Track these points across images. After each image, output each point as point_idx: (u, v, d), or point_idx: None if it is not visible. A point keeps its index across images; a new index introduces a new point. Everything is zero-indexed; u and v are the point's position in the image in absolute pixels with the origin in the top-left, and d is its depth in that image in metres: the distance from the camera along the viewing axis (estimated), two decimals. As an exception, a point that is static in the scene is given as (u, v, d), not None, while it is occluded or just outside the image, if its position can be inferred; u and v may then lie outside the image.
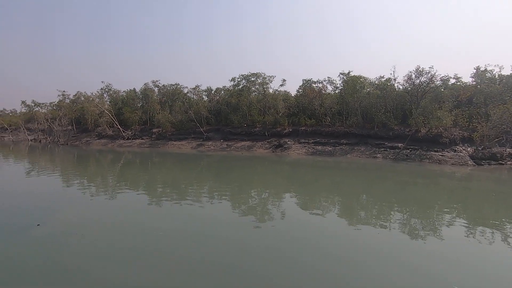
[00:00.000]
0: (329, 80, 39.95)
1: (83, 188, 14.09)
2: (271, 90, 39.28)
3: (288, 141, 34.63)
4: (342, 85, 39.24)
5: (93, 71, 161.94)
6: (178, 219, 9.49)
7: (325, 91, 36.59)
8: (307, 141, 33.58)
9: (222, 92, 46.56)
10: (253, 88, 41.61)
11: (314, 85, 40.45)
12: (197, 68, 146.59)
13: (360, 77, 33.24)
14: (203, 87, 47.76)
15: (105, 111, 44.22)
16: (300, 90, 41.56)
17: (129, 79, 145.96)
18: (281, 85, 38.64)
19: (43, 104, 70.59)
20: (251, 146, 36.05)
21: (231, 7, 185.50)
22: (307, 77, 40.61)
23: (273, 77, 36.92)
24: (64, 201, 11.37)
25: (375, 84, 32.46)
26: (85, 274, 5.87)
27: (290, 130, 36.48)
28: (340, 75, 39.84)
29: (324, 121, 34.63)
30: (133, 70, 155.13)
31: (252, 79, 40.30)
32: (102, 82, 64.95)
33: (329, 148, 30.81)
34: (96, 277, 5.78)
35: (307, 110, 36.97)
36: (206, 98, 47.43)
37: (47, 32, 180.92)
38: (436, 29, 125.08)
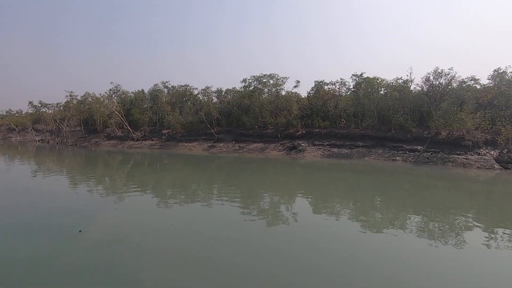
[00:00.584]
0: (341, 81, 39.60)
1: (106, 191, 13.65)
2: (283, 92, 38.82)
3: (302, 143, 34.15)
4: (355, 86, 38.94)
5: (97, 72, 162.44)
6: (208, 222, 9.13)
7: (339, 92, 36.04)
8: (321, 143, 33.09)
9: (232, 93, 46.21)
10: (265, 90, 41.26)
11: (326, 87, 40.11)
12: (201, 69, 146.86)
13: (376, 78, 32.74)
14: (213, 89, 47.53)
15: (115, 111, 43.86)
16: (312, 92, 41.19)
17: (132, 80, 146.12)
18: (295, 87, 38.27)
19: (50, 104, 70.76)
20: (264, 148, 35.59)
21: (236, 10, 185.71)
22: (315, 79, 40.23)
23: (287, 78, 36.51)
24: (94, 205, 10.92)
25: (392, 85, 31.90)
26: (141, 280, 5.65)
27: (303, 132, 35.98)
28: (353, 76, 39.57)
29: (339, 123, 34.11)
30: (136, 71, 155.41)
31: (264, 80, 39.94)
32: (111, 83, 64.81)
33: (346, 151, 30.28)
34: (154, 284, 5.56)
35: (320, 112, 36.50)
36: (216, 100, 47.08)
37: (52, 33, 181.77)
38: (436, 30, 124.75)
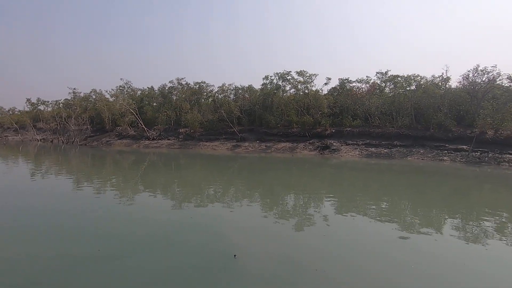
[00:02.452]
0: (366, 79, 38.67)
1: (198, 200, 11.99)
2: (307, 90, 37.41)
3: (334, 142, 32.99)
4: (382, 84, 38.10)
5: (89, 70, 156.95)
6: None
7: (373, 91, 35.05)
8: (355, 142, 32.01)
9: (250, 91, 44.60)
10: (287, 87, 39.92)
11: (350, 85, 39.11)
12: (195, 68, 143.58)
13: (416, 75, 31.84)
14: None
15: (129, 109, 41.50)
16: (336, 90, 40.08)
17: (129, 77, 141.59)
18: (326, 84, 37.00)
19: (48, 102, 67.24)
20: (293, 148, 34.24)
21: (230, 9, 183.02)
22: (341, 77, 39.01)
23: (316, 75, 35.17)
24: (201, 217, 9.29)
25: (432, 83, 31.07)
26: None
27: (333, 131, 34.84)
28: (377, 74, 38.70)
29: (372, 122, 33.09)
30: (132, 69, 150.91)
31: (288, 77, 38.57)
32: (121, 79, 61.47)
33: (385, 150, 29.28)
34: None
35: (349, 110, 35.43)
36: (233, 97, 45.33)
37: (46, 31, 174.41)
38: (428, 31, 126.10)
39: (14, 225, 8.27)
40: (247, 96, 42.77)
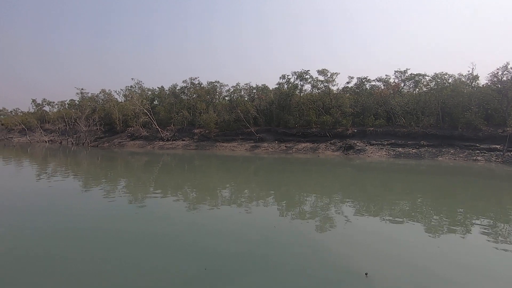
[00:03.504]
0: (385, 78, 38.06)
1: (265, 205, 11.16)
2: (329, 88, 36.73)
3: (357, 142, 32.31)
4: (401, 83, 37.51)
5: (92, 70, 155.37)
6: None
7: (397, 89, 34.41)
8: (380, 142, 31.34)
9: (262, 90, 43.84)
10: (305, 86, 39.22)
11: (369, 84, 38.50)
12: (197, 67, 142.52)
13: (443, 73, 31.19)
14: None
15: (144, 110, 40.53)
16: (350, 89, 39.40)
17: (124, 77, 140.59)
18: (348, 83, 36.26)
19: (54, 102, 66.11)
20: (315, 148, 33.52)
21: (231, 7, 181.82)
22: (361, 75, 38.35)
23: (337, 74, 34.45)
24: (288, 228, 8.48)
25: (460, 81, 30.48)
26: None
27: (355, 130, 34.17)
28: (396, 73, 38.13)
29: (397, 121, 32.43)
30: (129, 69, 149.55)
31: (306, 76, 37.86)
32: (132, 79, 60.28)
33: (413, 150, 28.63)
34: None
35: (371, 110, 34.76)
36: (247, 97, 44.53)
37: (46, 30, 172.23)
38: (432, 28, 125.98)
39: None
40: (262, 95, 41.96)
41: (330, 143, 34.03)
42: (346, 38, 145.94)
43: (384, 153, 29.36)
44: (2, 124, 70.88)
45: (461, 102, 28.89)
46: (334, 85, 34.96)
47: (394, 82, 37.89)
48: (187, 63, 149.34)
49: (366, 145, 31.55)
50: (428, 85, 32.38)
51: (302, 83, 38.35)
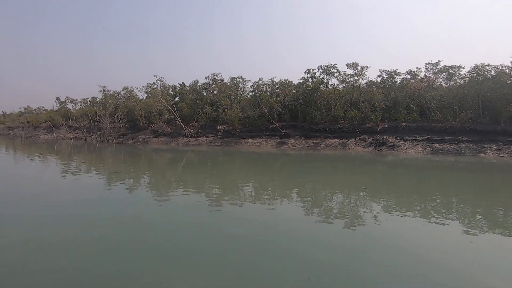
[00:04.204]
0: (416, 71, 36.47)
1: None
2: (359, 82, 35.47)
3: (389, 138, 31.13)
4: (434, 75, 35.87)
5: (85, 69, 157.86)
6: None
7: (432, 83, 32.91)
8: (414, 138, 30.05)
9: (285, 85, 43.01)
10: (332, 80, 38.12)
11: (399, 77, 36.99)
12: (196, 65, 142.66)
13: (485, 65, 29.47)
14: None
15: (168, 107, 40.54)
16: (384, 83, 37.99)
17: (123, 76, 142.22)
18: (379, 76, 34.94)
19: (76, 100, 67.45)
20: (344, 144, 32.54)
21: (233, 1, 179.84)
22: (384, 68, 36.83)
23: (367, 67, 33.22)
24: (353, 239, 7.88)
25: (504, 73, 28.72)
26: None
27: (386, 126, 32.95)
28: (427, 65, 36.46)
29: (432, 116, 31.01)
30: (126, 68, 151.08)
31: (333, 70, 36.75)
32: (154, 76, 60.50)
33: (452, 146, 27.27)
34: None
35: (403, 104, 33.39)
36: (269, 92, 43.81)
37: (44, 29, 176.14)
38: (441, 20, 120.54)
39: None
40: (286, 90, 41.13)
41: (360, 139, 32.96)
42: (351, 28, 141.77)
43: (420, 149, 28.11)
44: (28, 122, 73.02)
45: (504, 94, 27.20)
46: (364, 79, 33.71)
47: (425, 75, 36.35)
48: (186, 62, 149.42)
49: (399, 141, 30.34)
50: (466, 77, 30.69)
51: (328, 77, 37.28)
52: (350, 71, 33.88)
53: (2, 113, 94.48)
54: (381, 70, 34.70)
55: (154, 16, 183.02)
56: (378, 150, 29.70)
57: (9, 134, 70.86)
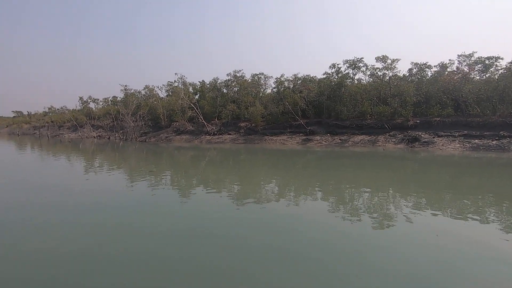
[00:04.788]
0: (448, 63, 34.68)
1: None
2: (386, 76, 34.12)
3: (422, 134, 29.80)
4: (467, 67, 33.99)
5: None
6: None
7: (468, 76, 31.23)
8: (450, 134, 28.61)
9: (308, 81, 42.08)
10: (358, 75, 36.89)
11: (429, 70, 35.32)
12: (188, 65, 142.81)
13: None
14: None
15: (191, 105, 40.53)
16: (411, 76, 36.42)
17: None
18: (410, 70, 33.45)
19: (98, 99, 68.83)
20: (373, 141, 31.44)
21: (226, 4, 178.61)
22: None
23: (397, 60, 31.83)
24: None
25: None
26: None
27: (417, 121, 31.58)
28: (460, 57, 34.58)
29: (468, 110, 29.42)
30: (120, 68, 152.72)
31: (360, 64, 35.53)
32: (176, 74, 60.80)
33: (493, 142, 25.73)
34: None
35: (435, 98, 31.86)
36: (291, 88, 43.00)
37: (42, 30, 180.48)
38: (434, 17, 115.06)
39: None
40: (309, 86, 40.22)
41: (389, 135, 31.77)
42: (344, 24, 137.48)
43: (458, 145, 26.69)
44: (52, 121, 75.28)
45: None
46: (394, 72, 32.29)
47: (457, 67, 34.54)
48: (178, 62, 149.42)
49: (433, 137, 28.98)
50: (507, 68, 28.86)
51: (354, 72, 36.10)
52: (379, 65, 32.61)
53: (27, 113, 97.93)
54: (412, 63, 33.10)
55: (176, 16, 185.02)
56: (411, 147, 28.48)
57: (35, 133, 73.39)
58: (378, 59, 32.31)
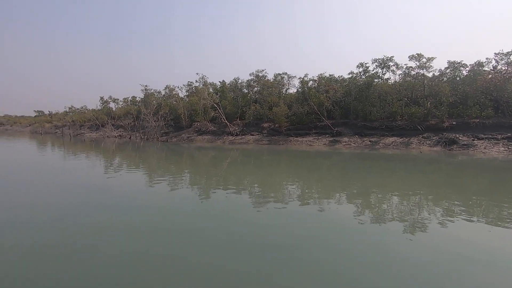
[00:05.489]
0: (486, 62, 32.89)
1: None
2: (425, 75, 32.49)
3: (460, 136, 28.27)
4: (507, 66, 32.15)
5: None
6: None
7: (510, 75, 29.48)
8: (491, 136, 27.00)
9: (332, 81, 40.95)
10: (388, 74, 35.54)
11: (465, 69, 33.62)
12: (183, 66, 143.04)
13: None
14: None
15: (214, 105, 40.14)
16: (441, 76, 34.77)
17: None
18: (447, 68, 31.92)
19: (117, 99, 69.64)
20: (406, 143, 30.10)
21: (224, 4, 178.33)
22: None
23: (432, 59, 30.34)
24: None
25: None
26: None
27: (454, 123, 30.02)
28: (497, 55, 32.73)
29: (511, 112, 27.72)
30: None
31: (390, 63, 34.20)
32: (197, 73, 60.93)
33: (543, 145, 24.02)
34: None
35: (473, 99, 30.22)
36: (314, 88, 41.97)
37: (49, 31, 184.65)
38: (434, 21, 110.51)
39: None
40: (334, 86, 39.10)
41: (423, 137, 30.35)
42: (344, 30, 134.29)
43: (503, 148, 25.09)
44: (73, 121, 76.76)
45: None
46: (430, 72, 30.84)
47: (494, 66, 32.72)
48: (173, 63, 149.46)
49: (472, 140, 27.43)
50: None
51: (383, 71, 34.80)
52: (412, 64, 31.21)
53: (48, 112, 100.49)
54: (449, 61, 31.49)
55: (206, 19, 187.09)
56: (449, 150, 27.01)
57: (56, 132, 75.01)
58: (412, 57, 30.88)
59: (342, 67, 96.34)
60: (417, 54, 30.33)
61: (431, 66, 30.54)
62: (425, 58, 30.19)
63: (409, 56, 30.82)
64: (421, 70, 30.91)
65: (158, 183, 13.53)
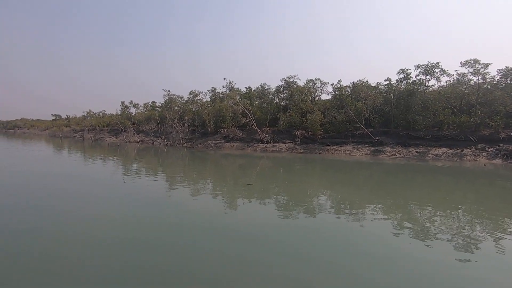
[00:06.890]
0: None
1: None
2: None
3: (522, 148, 26.07)
4: None
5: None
6: None
7: None
8: (559, 149, 24.72)
9: (367, 88, 39.20)
10: (432, 81, 33.64)
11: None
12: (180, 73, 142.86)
13: None
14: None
15: (246, 111, 38.77)
16: (493, 82, 32.60)
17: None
18: (507, 76, 29.83)
19: (138, 104, 69.19)
20: (458, 154, 27.96)
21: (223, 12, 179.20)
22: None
23: (488, 64, 28.38)
24: None
25: None
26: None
27: (511, 134, 27.83)
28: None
29: None
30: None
31: (436, 70, 32.35)
32: (224, 79, 60.11)
33: None
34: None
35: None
36: (349, 94, 40.27)
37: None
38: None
39: None
40: (371, 94, 37.36)
41: (477, 149, 28.21)
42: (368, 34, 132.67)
43: None
44: (91, 125, 76.50)
45: None
46: (487, 78, 28.79)
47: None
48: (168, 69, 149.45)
49: (537, 152, 25.19)
50: None
51: (428, 78, 32.90)
52: (463, 70, 29.28)
53: (66, 116, 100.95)
54: (507, 68, 29.35)
55: (234, 22, 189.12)
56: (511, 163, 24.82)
57: (75, 136, 74.72)
58: (465, 63, 28.93)
59: (366, 75, 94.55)
60: (473, 60, 28.40)
61: (487, 72, 28.49)
62: (480, 64, 28.22)
63: (461, 62, 28.90)
64: (475, 77, 28.88)
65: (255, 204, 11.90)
